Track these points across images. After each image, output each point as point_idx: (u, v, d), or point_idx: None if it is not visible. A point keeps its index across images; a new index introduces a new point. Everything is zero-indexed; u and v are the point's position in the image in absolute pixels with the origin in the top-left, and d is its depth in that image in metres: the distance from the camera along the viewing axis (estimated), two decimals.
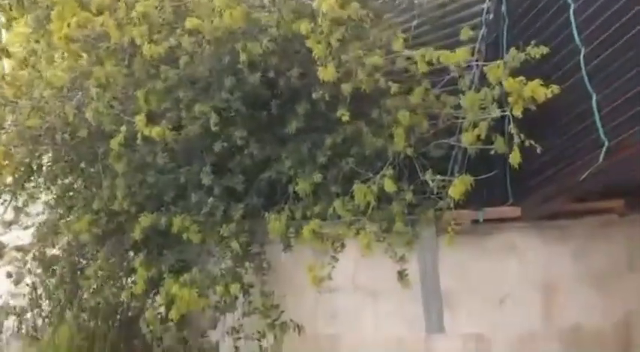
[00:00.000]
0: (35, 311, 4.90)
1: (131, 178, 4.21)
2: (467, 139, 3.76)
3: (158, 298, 3.99)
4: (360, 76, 3.66)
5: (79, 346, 4.64)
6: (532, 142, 3.50)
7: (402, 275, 4.14)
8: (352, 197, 3.97)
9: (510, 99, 3.56)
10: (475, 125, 3.77)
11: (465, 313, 4.38)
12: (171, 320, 4.17)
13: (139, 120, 3.78)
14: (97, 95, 3.98)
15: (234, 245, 4.10)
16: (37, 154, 4.50)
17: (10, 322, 4.89)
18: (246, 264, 4.34)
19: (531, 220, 4.29)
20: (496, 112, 3.71)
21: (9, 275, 4.84)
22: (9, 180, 4.62)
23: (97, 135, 4.20)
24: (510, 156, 3.54)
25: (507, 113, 3.60)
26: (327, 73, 3.57)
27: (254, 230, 4.40)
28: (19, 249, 4.95)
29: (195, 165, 4.33)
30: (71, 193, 4.64)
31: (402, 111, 3.88)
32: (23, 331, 4.85)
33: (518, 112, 3.52)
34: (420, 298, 4.38)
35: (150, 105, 3.92)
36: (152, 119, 4.08)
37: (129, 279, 4.56)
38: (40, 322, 4.91)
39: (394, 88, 3.69)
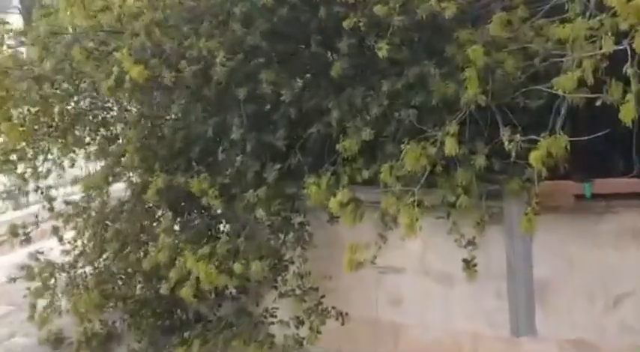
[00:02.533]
0: (82, 268, 4.61)
1: (143, 130, 3.59)
2: (562, 84, 2.69)
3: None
4: None
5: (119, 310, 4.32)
6: None
7: (468, 264, 3.20)
8: None
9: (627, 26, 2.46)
10: (580, 65, 2.71)
11: (564, 313, 3.64)
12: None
13: (121, 57, 3.06)
14: (85, 33, 3.34)
15: (259, 213, 3.37)
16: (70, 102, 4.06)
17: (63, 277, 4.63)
18: (282, 235, 3.61)
19: None
20: (610, 46, 2.60)
21: (55, 229, 4.56)
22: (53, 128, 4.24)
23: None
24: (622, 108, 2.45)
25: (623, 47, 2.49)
26: None
27: (297, 196, 3.65)
28: (67, 202, 4.65)
29: (229, 117, 3.61)
30: (93, 146, 4.17)
31: (474, 47, 2.87)
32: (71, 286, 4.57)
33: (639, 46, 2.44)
34: (505, 289, 3.67)
35: (151, 42, 3.21)
36: (176, 60, 3.41)
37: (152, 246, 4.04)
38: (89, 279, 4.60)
39: (449, 10, 2.64)
